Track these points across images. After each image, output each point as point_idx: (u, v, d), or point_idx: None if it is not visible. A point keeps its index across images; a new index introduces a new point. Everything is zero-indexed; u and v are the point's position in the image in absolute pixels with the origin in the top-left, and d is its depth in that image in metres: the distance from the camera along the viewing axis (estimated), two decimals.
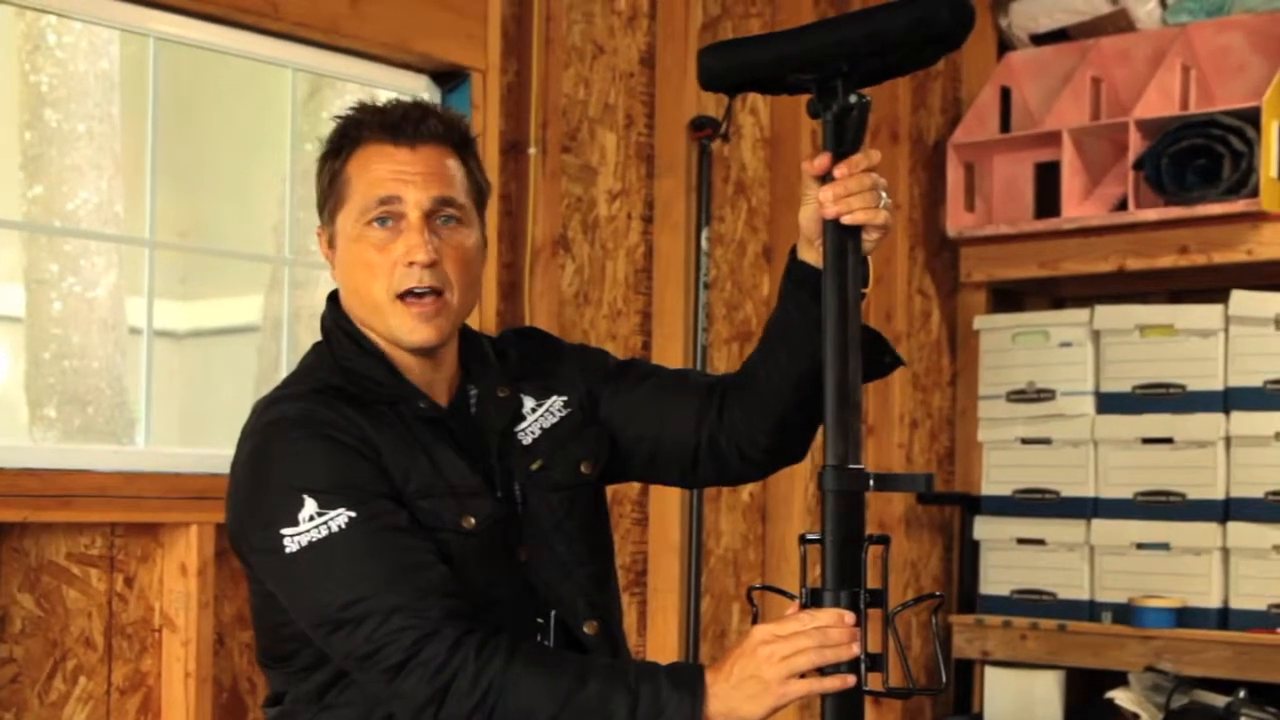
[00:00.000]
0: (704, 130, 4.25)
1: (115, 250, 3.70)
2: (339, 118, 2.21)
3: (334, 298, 2.25)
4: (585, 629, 2.19)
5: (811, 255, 2.16)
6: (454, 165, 2.18)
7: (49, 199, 3.66)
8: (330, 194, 2.17)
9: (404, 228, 2.13)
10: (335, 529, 2.01)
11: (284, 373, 3.73)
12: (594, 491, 2.30)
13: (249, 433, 2.14)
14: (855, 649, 1.91)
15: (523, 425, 2.26)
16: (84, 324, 3.68)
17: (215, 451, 3.47)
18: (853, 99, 1.92)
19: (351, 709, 2.12)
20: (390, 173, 2.13)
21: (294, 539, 2.02)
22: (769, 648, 1.94)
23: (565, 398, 2.30)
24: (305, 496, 2.02)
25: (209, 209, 3.96)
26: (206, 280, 4.06)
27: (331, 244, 2.19)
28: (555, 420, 2.28)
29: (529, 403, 2.28)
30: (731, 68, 2.06)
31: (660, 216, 4.30)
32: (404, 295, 2.13)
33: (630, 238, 4.28)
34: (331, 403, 2.11)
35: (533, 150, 3.92)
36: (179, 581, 3.23)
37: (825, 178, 2.01)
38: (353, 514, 2.02)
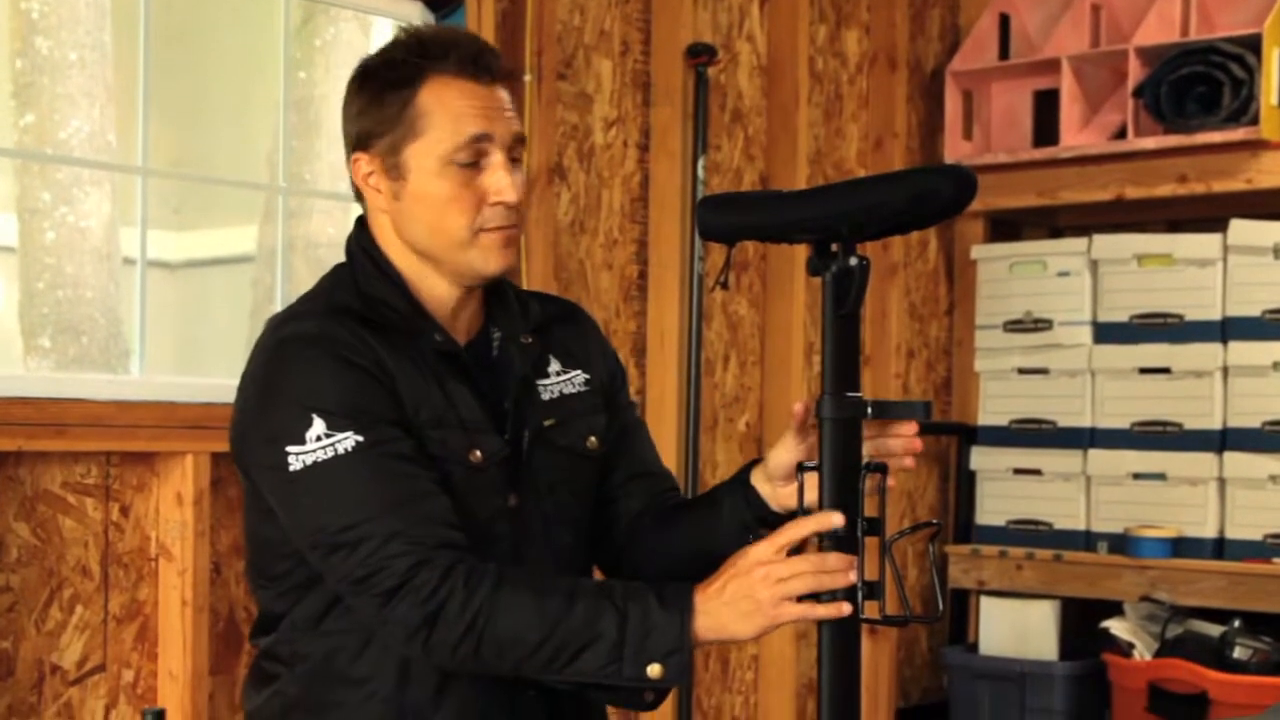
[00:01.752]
0: (700, 57, 4.22)
1: (109, 180, 3.67)
2: (398, 45, 2.17)
3: (362, 221, 2.23)
4: None
5: (765, 489, 2.19)
6: (511, 100, 2.18)
7: (41, 128, 3.63)
8: (397, 125, 2.13)
9: (486, 165, 2.12)
10: (341, 451, 2.01)
11: (279, 303, 3.72)
12: (590, 470, 2.29)
13: (261, 347, 2.13)
14: (852, 577, 1.90)
15: (545, 381, 2.26)
16: (77, 254, 3.66)
17: (210, 381, 3.46)
18: (853, 261, 1.91)
19: (350, 636, 2.12)
20: (477, 110, 2.11)
21: (299, 458, 2.02)
22: (765, 569, 1.93)
23: (588, 377, 2.31)
24: (314, 416, 2.02)
25: (202, 138, 3.93)
26: (200, 210, 4.04)
27: (391, 175, 2.15)
28: (575, 391, 2.29)
29: (554, 364, 2.29)
30: (730, 226, 2.06)
31: (656, 145, 4.28)
32: (486, 231, 2.13)
33: (626, 166, 4.26)
34: (347, 324, 2.10)
35: (528, 77, 3.89)
36: (175, 511, 3.22)
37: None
38: (360, 438, 2.02)
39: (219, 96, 3.93)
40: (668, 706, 4.18)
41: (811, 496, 1.97)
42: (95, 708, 3.16)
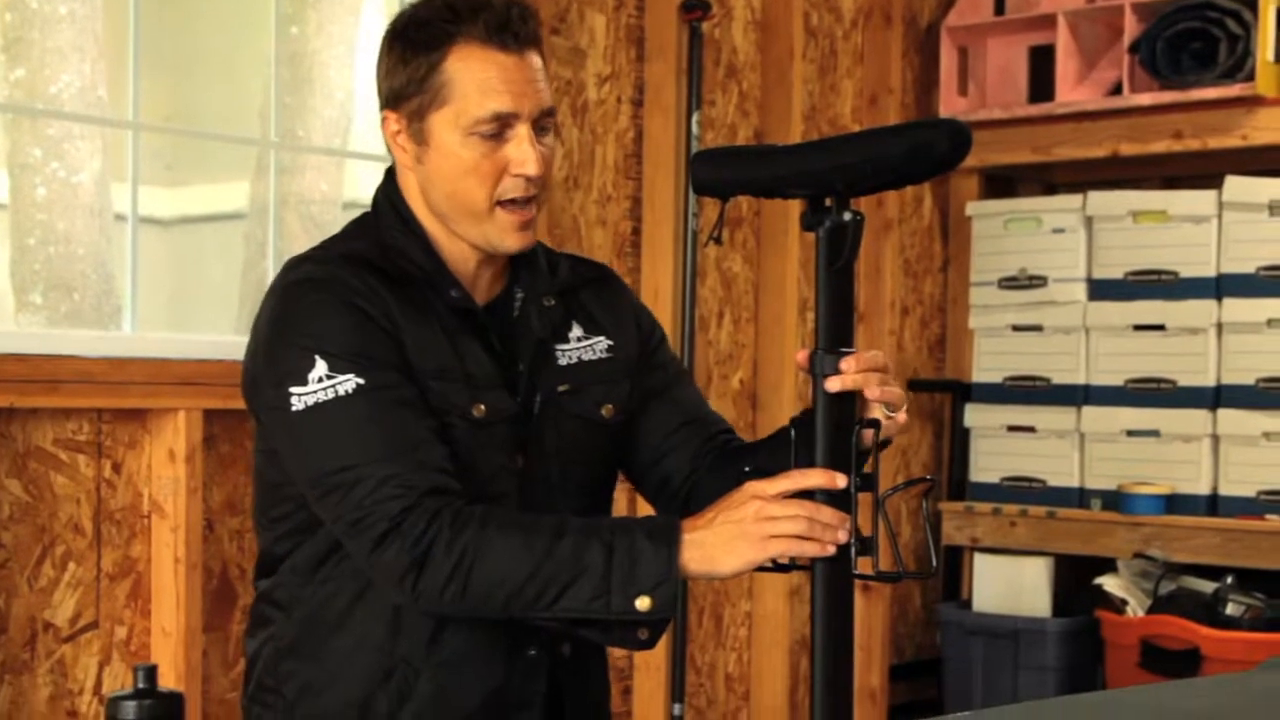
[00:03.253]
0: (694, 12, 4.20)
1: (100, 135, 3.65)
2: (428, 4, 2.15)
3: (391, 173, 2.23)
4: None
5: None
6: (541, 66, 2.16)
7: (31, 82, 3.61)
8: (423, 90, 2.12)
9: (510, 137, 2.11)
10: (342, 393, 2.02)
11: (271, 259, 3.71)
12: (605, 438, 2.28)
13: (272, 290, 2.14)
14: (843, 535, 1.90)
15: (565, 346, 2.25)
16: (69, 210, 3.64)
17: (202, 337, 3.45)
18: (847, 216, 1.90)
19: (345, 584, 2.13)
20: (502, 84, 2.09)
21: (300, 398, 2.03)
22: (759, 504, 1.93)
23: (612, 343, 2.30)
24: (317, 357, 2.03)
25: (194, 93, 3.91)
26: (192, 166, 4.02)
27: (416, 138, 2.15)
28: (595, 358, 2.28)
29: (576, 329, 2.28)
30: (724, 180, 2.04)
31: (650, 100, 4.26)
32: (505, 203, 2.12)
33: (620, 122, 4.24)
34: (359, 272, 2.10)
35: None
36: (167, 468, 3.22)
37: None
38: (361, 380, 2.03)
39: (210, 51, 3.91)
40: (661, 661, 4.19)
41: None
42: (88, 664, 3.17)
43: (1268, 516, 4.53)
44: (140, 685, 1.69)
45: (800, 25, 4.62)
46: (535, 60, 2.14)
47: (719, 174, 2.04)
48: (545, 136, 2.15)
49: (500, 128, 2.10)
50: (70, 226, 3.63)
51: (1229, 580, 4.44)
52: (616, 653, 4.22)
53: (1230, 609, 4.38)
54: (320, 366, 2.03)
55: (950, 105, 5.13)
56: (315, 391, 2.03)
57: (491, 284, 2.23)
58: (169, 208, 4.02)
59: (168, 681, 2.99)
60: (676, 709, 4.22)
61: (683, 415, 2.35)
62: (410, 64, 2.13)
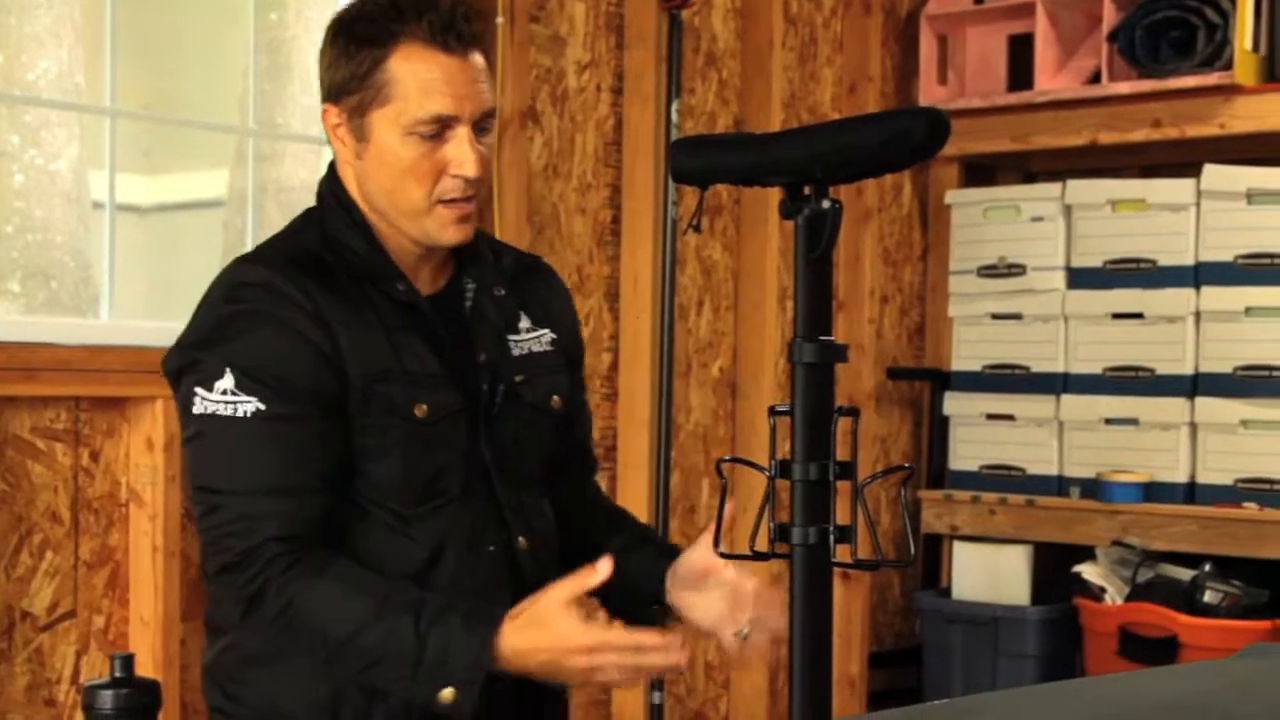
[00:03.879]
0: (674, 0, 4.20)
1: (77, 122, 3.64)
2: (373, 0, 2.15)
3: (334, 165, 2.23)
4: (518, 543, 2.21)
5: (671, 583, 2.23)
6: (484, 66, 2.17)
7: (8, 68, 3.59)
8: (365, 86, 2.12)
9: (450, 138, 2.12)
10: (239, 414, 2.03)
11: (250, 247, 3.69)
12: (553, 428, 2.30)
13: (216, 284, 2.15)
14: (666, 659, 1.93)
15: (516, 337, 2.27)
16: (46, 197, 3.63)
17: (181, 325, 3.43)
18: (826, 204, 1.89)
19: None
20: (445, 85, 2.10)
21: (202, 402, 2.05)
22: (583, 658, 1.96)
23: (555, 337, 2.32)
24: (228, 370, 2.04)
25: (172, 80, 3.90)
26: (171, 154, 4.00)
27: (356, 134, 2.15)
28: (543, 350, 2.30)
29: (525, 320, 2.30)
30: (703, 168, 2.04)
31: (630, 88, 4.25)
32: (445, 202, 2.13)
33: (600, 110, 4.24)
34: (298, 276, 2.09)
35: (500, 19, 3.86)
36: (145, 456, 3.21)
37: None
38: (261, 406, 2.03)
39: (189, 38, 3.90)
40: None
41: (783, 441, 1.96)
42: (66, 653, 3.16)
43: (1245, 504, 4.54)
44: (118, 674, 1.69)
45: (780, 13, 4.62)
46: (478, 61, 2.14)
47: (698, 162, 2.04)
48: (485, 136, 2.16)
49: (440, 129, 2.11)
50: (48, 214, 3.61)
51: (1207, 568, 4.46)
52: None
53: (1208, 596, 4.39)
54: (228, 379, 2.04)
55: (930, 94, 5.13)
56: (216, 402, 2.04)
57: (435, 276, 2.22)
58: (147, 195, 4.00)
59: (146, 670, 2.98)
60: (656, 697, 4.22)
61: (573, 450, 2.40)
62: (354, 59, 2.13)
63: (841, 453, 1.94)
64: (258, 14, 3.73)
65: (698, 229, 2.19)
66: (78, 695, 3.18)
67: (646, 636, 1.96)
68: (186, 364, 2.09)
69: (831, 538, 1.91)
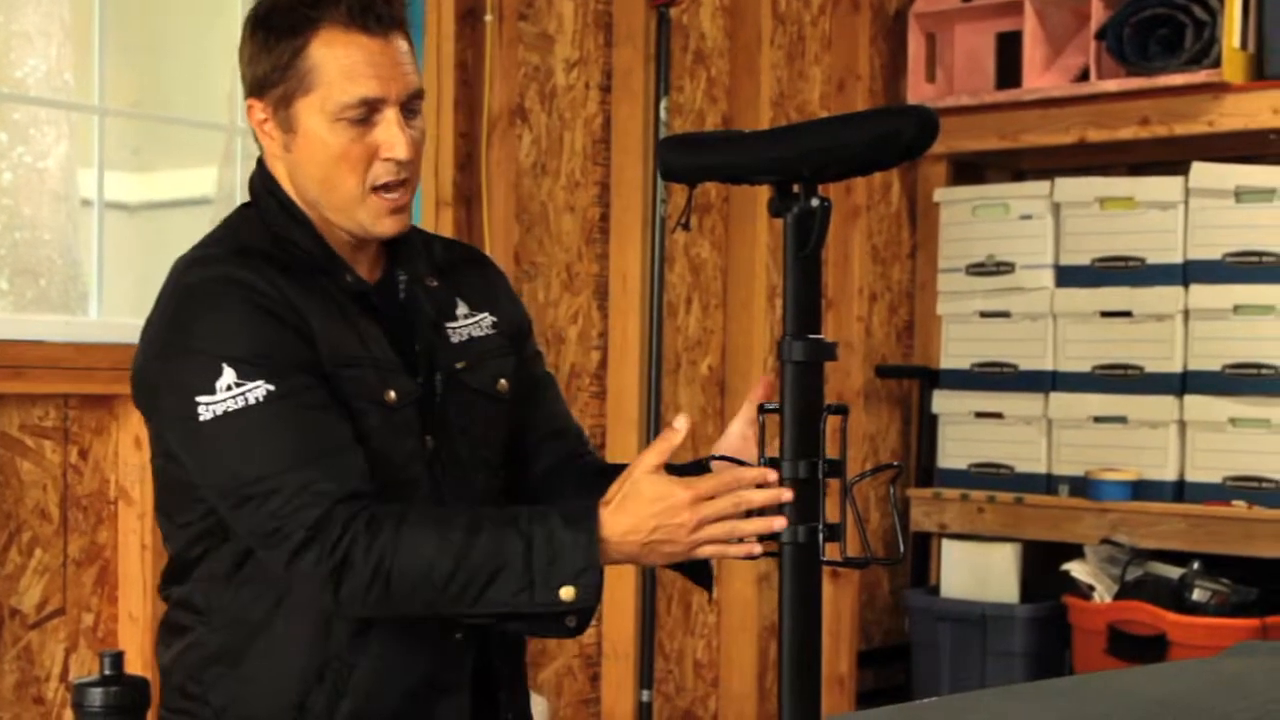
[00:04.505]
0: None
1: (66, 120, 3.64)
2: None
3: (263, 162, 2.20)
4: None
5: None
6: (409, 49, 2.14)
7: None
8: (287, 77, 2.09)
9: (378, 121, 2.08)
10: (252, 401, 1.99)
11: None
12: (501, 413, 2.27)
13: (168, 293, 2.10)
14: (779, 521, 1.89)
15: (454, 324, 2.24)
16: (35, 195, 3.62)
17: None
18: (814, 202, 1.89)
19: (268, 584, 2.09)
20: (368, 68, 2.07)
21: (209, 408, 1.99)
22: (690, 514, 1.94)
23: (495, 319, 2.30)
24: (224, 365, 1.99)
25: (160, 78, 3.89)
26: (159, 152, 4.00)
27: (283, 126, 2.11)
28: (483, 334, 2.27)
29: (462, 306, 2.27)
30: (691, 166, 2.03)
31: (619, 86, 4.25)
32: (377, 188, 2.10)
33: (588, 108, 4.24)
34: (257, 265, 2.06)
35: (489, 18, 3.86)
36: (134, 454, 3.21)
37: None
38: (271, 387, 1.99)
39: (177, 36, 3.89)
40: (630, 648, 4.19)
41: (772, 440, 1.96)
42: (55, 651, 3.15)
43: (1234, 502, 4.55)
44: (107, 671, 1.68)
45: (768, 11, 4.62)
46: (400, 43, 2.11)
47: (687, 160, 2.04)
48: (414, 119, 2.12)
49: (368, 112, 2.07)
50: (36, 212, 3.61)
51: (1195, 566, 4.46)
52: (585, 639, 4.22)
53: (1196, 595, 4.40)
54: (228, 374, 1.99)
55: (918, 92, 5.14)
56: (224, 400, 1.99)
57: (371, 268, 2.20)
58: (135, 193, 3.99)
59: (134, 668, 2.97)
60: (645, 696, 4.22)
61: (546, 426, 2.36)
62: (274, 51, 2.10)
63: (830, 451, 1.94)
64: (244, 12, 3.71)
65: (686, 227, 2.18)
66: (67, 693, 3.17)
67: (744, 470, 1.93)
68: (171, 379, 2.04)
69: (821, 536, 1.91)
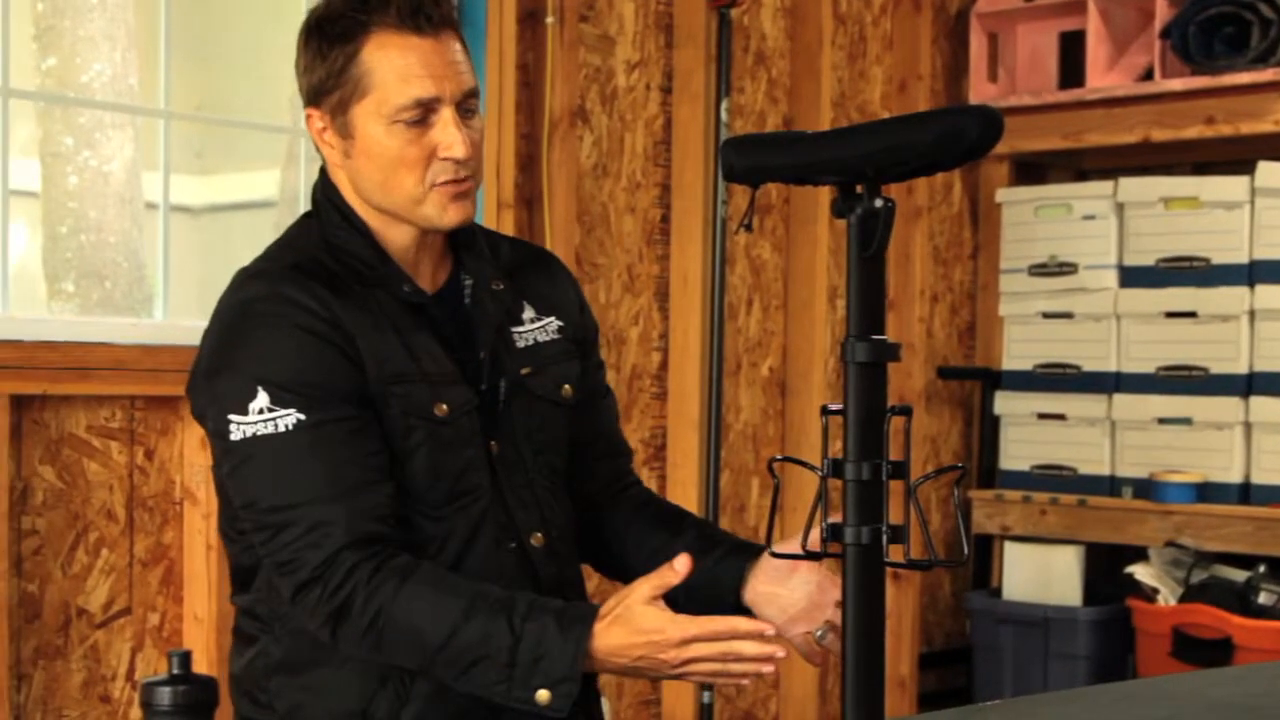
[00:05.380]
0: None
1: (130, 124, 3.67)
2: None
3: (325, 171, 2.21)
4: (531, 540, 2.18)
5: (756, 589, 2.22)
6: (461, 48, 2.14)
7: (62, 71, 3.62)
8: (342, 83, 2.10)
9: (435, 121, 2.09)
10: (281, 429, 2.00)
11: None
12: (566, 419, 2.27)
13: (223, 307, 2.11)
14: (768, 668, 1.89)
15: (520, 329, 2.24)
16: (100, 198, 3.66)
17: None
18: (878, 203, 1.88)
19: None
20: (421, 68, 2.07)
21: (239, 427, 2.01)
22: (677, 653, 1.94)
23: (562, 324, 2.30)
24: (259, 387, 2.00)
25: (224, 82, 3.92)
26: (222, 155, 4.03)
27: (341, 133, 2.12)
28: (549, 339, 2.27)
29: (529, 311, 2.27)
30: (755, 167, 2.03)
31: (679, 87, 4.26)
32: (437, 185, 2.11)
33: (649, 109, 4.24)
34: (307, 283, 2.07)
35: (550, 19, 3.87)
36: (199, 455, 3.23)
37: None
38: (302, 416, 2.00)
39: (240, 39, 3.92)
40: None
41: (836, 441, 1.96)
42: (121, 650, 3.18)
43: None
44: (175, 671, 1.69)
45: (829, 11, 4.61)
46: (453, 42, 2.11)
47: (750, 161, 2.04)
48: (471, 118, 2.12)
49: (424, 113, 2.08)
50: (102, 215, 3.64)
51: (1261, 569, 4.43)
52: None
53: (1262, 598, 4.37)
54: (262, 397, 2.00)
55: (980, 92, 5.11)
56: (255, 423, 2.00)
57: (435, 272, 2.20)
58: (199, 196, 4.03)
59: (199, 667, 3.00)
60: (706, 697, 4.22)
61: (604, 443, 2.37)
62: (328, 58, 2.10)
63: (893, 452, 1.94)
64: (307, 14, 3.74)
65: (749, 228, 2.18)
66: (132, 691, 3.20)
67: (739, 621, 1.93)
68: (213, 394, 2.05)
69: (884, 538, 1.90)
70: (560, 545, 2.23)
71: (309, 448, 2.00)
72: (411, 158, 2.09)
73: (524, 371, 2.21)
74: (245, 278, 2.13)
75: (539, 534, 2.19)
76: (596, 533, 2.35)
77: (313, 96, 2.15)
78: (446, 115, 2.09)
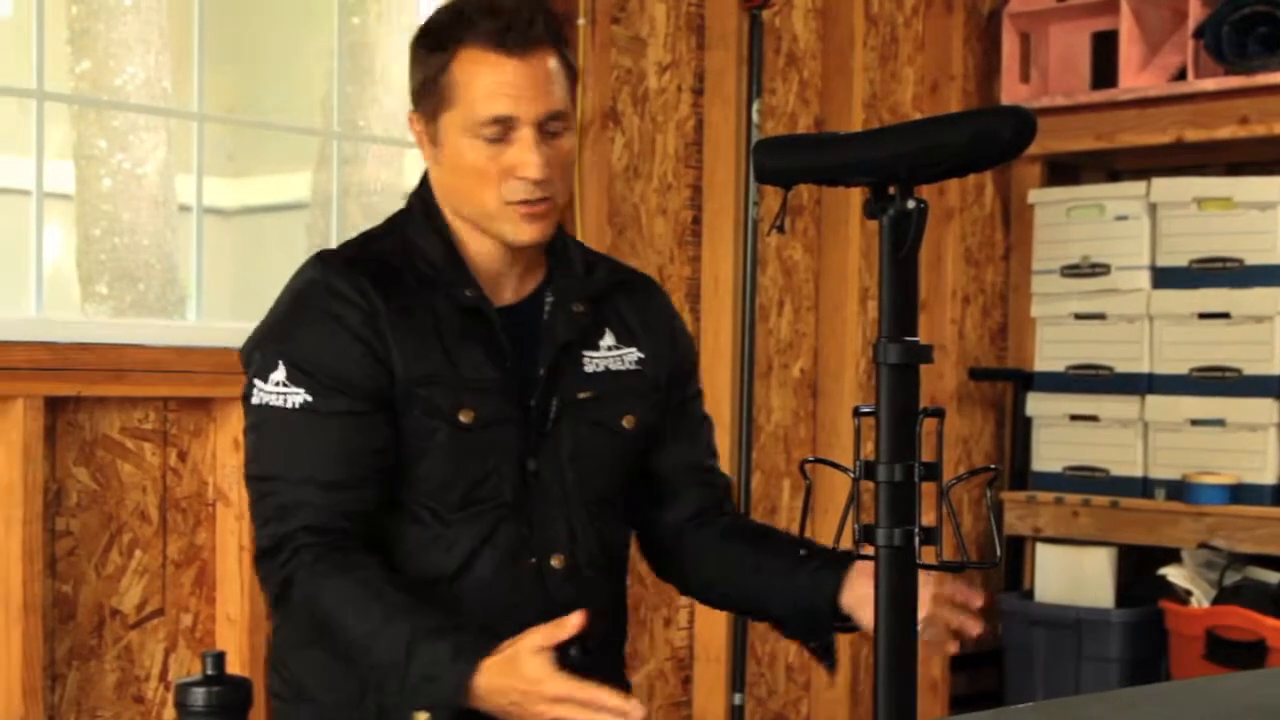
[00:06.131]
0: (754, 0, 4.19)
1: (164, 126, 3.69)
2: (443, 8, 2.19)
3: (427, 171, 2.26)
4: (552, 560, 2.19)
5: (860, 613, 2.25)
6: (556, 67, 2.16)
7: (96, 74, 3.65)
8: (433, 91, 2.15)
9: (514, 140, 2.12)
10: (288, 405, 2.09)
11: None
12: (623, 449, 2.28)
13: (291, 279, 2.20)
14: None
15: (593, 353, 2.26)
16: (134, 200, 3.68)
17: None
18: (911, 204, 1.88)
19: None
20: (502, 88, 2.11)
21: (258, 393, 2.11)
22: (543, 706, 1.94)
23: (643, 356, 2.30)
24: (281, 362, 2.10)
25: (257, 84, 3.94)
26: (255, 157, 4.05)
27: (431, 139, 2.19)
28: (624, 369, 2.28)
29: (609, 338, 2.28)
30: (787, 168, 2.03)
31: (711, 89, 4.26)
32: (513, 203, 2.14)
33: (680, 110, 4.24)
34: (357, 278, 2.13)
35: (581, 21, 3.87)
36: (232, 456, 3.24)
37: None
38: (309, 399, 2.08)
39: (273, 42, 3.94)
40: (722, 651, 4.19)
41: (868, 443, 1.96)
42: (155, 651, 3.20)
43: None
44: (209, 671, 1.70)
45: (861, 12, 4.60)
46: (546, 62, 2.14)
47: (782, 162, 2.04)
48: (556, 139, 2.15)
49: (503, 131, 2.12)
50: (135, 217, 3.66)
51: None
52: (676, 642, 4.22)
53: None
54: (280, 371, 2.09)
55: (1012, 92, 5.10)
56: (269, 393, 2.09)
57: (521, 283, 2.24)
58: (232, 198, 4.05)
59: (232, 668, 3.00)
60: (737, 699, 4.22)
61: (696, 465, 2.38)
62: (425, 64, 2.17)
63: (925, 454, 1.94)
64: (340, 18, 3.76)
65: (782, 230, 2.19)
66: (166, 692, 3.22)
67: (608, 696, 1.93)
68: (250, 358, 2.15)
69: (917, 539, 1.90)
70: (587, 570, 2.24)
71: (307, 430, 2.09)
72: (489, 173, 2.13)
73: (582, 395, 2.22)
74: (312, 259, 2.20)
75: (561, 555, 2.20)
76: (693, 563, 2.36)
77: (413, 99, 2.21)
78: (525, 135, 2.12)
